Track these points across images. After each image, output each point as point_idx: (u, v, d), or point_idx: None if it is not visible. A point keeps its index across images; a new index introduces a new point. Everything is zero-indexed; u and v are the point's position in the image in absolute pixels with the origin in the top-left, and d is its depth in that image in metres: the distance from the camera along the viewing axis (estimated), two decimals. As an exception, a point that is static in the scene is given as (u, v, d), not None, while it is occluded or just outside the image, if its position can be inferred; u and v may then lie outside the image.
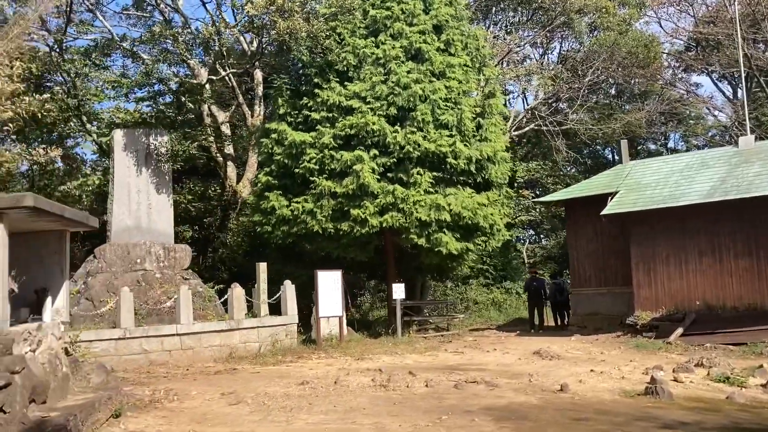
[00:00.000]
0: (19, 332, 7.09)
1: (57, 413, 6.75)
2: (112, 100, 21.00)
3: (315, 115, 16.16)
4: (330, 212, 15.77)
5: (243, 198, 18.39)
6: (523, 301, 23.00)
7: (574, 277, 19.22)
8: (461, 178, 16.77)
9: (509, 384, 10.36)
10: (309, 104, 16.40)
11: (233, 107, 21.53)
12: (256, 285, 15.99)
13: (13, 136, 16.12)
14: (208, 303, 15.44)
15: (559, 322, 20.29)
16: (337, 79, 16.48)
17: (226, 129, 20.75)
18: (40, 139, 20.18)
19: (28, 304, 8.46)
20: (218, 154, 21.20)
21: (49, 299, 8.68)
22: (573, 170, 33.53)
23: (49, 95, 16.08)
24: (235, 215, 21.93)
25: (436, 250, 16.24)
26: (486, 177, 17.13)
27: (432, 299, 22.53)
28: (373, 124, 15.68)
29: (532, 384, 10.37)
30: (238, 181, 21.16)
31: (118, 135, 16.01)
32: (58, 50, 18.96)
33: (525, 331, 19.23)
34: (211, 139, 21.12)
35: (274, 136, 16.32)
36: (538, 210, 30.05)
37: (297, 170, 16.01)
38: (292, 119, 16.48)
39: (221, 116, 21.04)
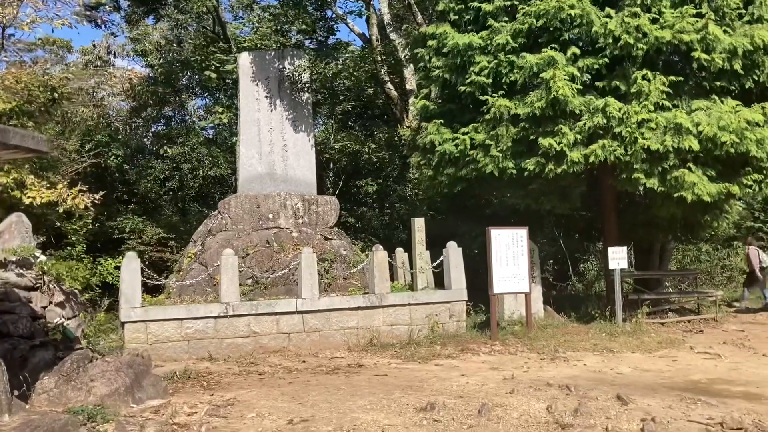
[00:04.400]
0: None
1: None
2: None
3: (487, 6, 11.37)
4: (510, 144, 11.04)
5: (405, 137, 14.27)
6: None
7: None
8: (717, 83, 10.86)
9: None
10: (479, -8, 11.67)
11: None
12: (412, 250, 11.97)
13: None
14: (353, 270, 11.75)
15: None
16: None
17: (400, 49, 16.53)
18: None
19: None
20: (389, 84, 17.20)
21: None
22: None
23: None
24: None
25: (677, 196, 10.67)
26: (760, 80, 10.96)
27: (674, 269, 16.45)
28: (571, 8, 10.50)
29: None
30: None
31: (244, 59, 12.88)
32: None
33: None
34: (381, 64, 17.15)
35: (431, 43, 11.89)
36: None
37: (462, 88, 11.45)
38: (456, 17, 11.85)
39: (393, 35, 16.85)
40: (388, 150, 19.73)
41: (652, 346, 10.21)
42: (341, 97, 20.48)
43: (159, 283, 11.68)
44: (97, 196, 8.72)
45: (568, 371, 8.54)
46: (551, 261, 21.37)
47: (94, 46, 21.91)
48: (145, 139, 22.72)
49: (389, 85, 17.30)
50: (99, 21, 15.68)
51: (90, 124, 20.10)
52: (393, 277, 13.08)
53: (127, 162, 20.49)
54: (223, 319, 9.86)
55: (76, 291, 7.74)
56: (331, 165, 19.87)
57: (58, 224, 15.05)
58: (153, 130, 24.01)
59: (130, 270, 9.55)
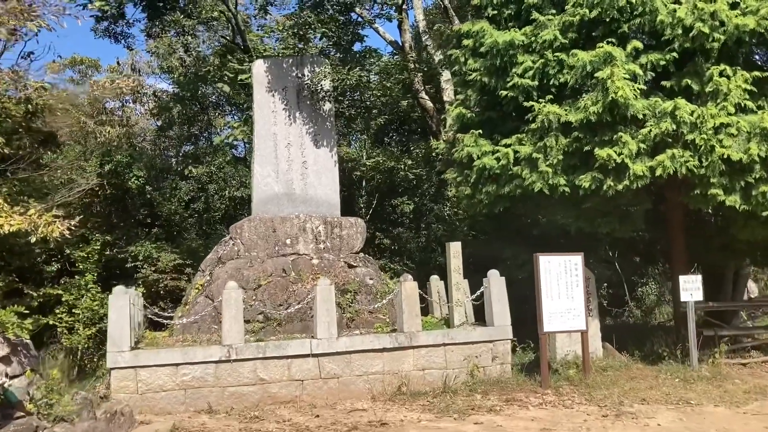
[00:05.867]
0: None
1: None
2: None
3: (530, -1, 9.85)
4: (560, 158, 9.43)
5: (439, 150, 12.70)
6: None
7: None
8: (812, 79, 9.09)
9: None
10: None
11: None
12: (448, 277, 10.42)
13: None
14: (380, 303, 10.25)
15: None
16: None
17: (437, 55, 14.98)
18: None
19: None
20: (423, 94, 15.66)
21: None
22: None
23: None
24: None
25: (765, 215, 8.89)
26: None
27: (752, 299, 14.41)
28: (632, -6, 8.92)
29: None
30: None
31: (259, 67, 11.60)
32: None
33: None
34: (415, 74, 15.68)
35: (467, 42, 10.39)
36: None
37: (503, 92, 9.91)
38: (495, 11, 10.33)
39: (429, 42, 15.32)
40: (426, 166, 18.27)
41: (739, 397, 8.42)
42: (374, 111, 19.14)
43: (171, 317, 10.49)
44: (73, 222, 7.46)
45: (638, 435, 6.86)
46: (605, 284, 19.48)
47: (118, 63, 21.20)
48: (172, 160, 21.76)
49: (424, 95, 15.83)
50: (114, 34, 14.74)
51: (111, 144, 19.23)
52: (427, 310, 11.56)
53: (150, 183, 19.51)
54: (225, 364, 8.48)
55: (27, 342, 6.46)
56: (364, 183, 18.47)
57: (67, 251, 14.05)
58: (181, 150, 23.12)
59: (117, 308, 8.28)
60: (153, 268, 14.37)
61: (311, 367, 8.78)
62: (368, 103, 19.24)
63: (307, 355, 8.77)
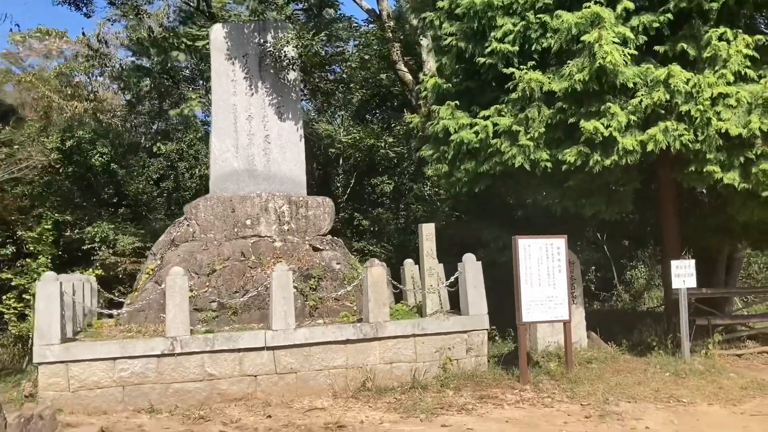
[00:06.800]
0: None
1: None
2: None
3: (510, -48, 8.88)
4: (543, 130, 8.56)
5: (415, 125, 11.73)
6: None
7: None
8: (821, 45, 8.23)
9: None
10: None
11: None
12: (420, 262, 9.59)
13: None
14: (345, 290, 9.38)
15: None
16: None
17: (414, 20, 13.95)
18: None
19: None
20: (402, 65, 14.65)
21: None
22: None
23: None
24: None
25: (766, 195, 8.08)
26: None
27: (748, 285, 13.63)
28: (623, -53, 8.01)
29: None
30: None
31: (218, 32, 10.63)
32: None
33: None
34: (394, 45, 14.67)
35: (442, 4, 9.45)
36: None
37: (481, 59, 8.99)
38: (472, -31, 9.38)
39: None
40: (407, 144, 17.37)
41: (735, 394, 7.68)
42: (352, 85, 18.18)
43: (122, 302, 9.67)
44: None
45: (622, 442, 6.08)
46: (594, 267, 18.72)
47: (83, 34, 20.03)
48: (142, 137, 20.74)
49: (402, 66, 14.84)
50: (71, 1, 13.67)
51: (77, 119, 18.19)
52: (401, 297, 10.75)
53: (117, 161, 18.52)
54: (169, 358, 7.64)
55: None
56: (341, 161, 17.55)
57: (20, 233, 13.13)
58: (155, 127, 22.07)
59: (45, 296, 7.40)
60: (111, 251, 13.46)
61: (266, 362, 7.94)
62: (345, 76, 18.27)
63: (262, 348, 7.93)
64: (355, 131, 17.63)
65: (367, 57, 16.23)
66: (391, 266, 11.48)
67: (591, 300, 17.62)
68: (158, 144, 18.60)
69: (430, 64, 13.26)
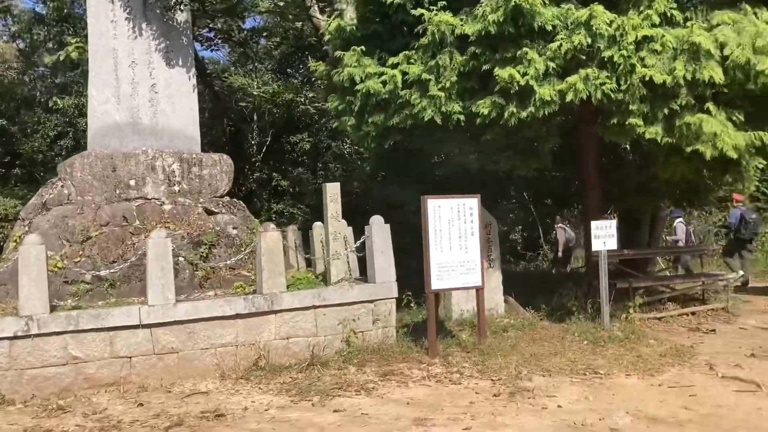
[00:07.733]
0: None
1: None
2: None
3: None
4: (455, 79, 7.73)
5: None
6: None
7: None
8: (750, -13, 7.63)
9: None
10: None
11: None
12: (325, 224, 8.73)
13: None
14: (237, 258, 8.44)
15: None
16: None
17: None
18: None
19: None
20: (316, 10, 13.50)
21: None
22: None
23: None
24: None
25: (690, 150, 7.51)
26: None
27: (670, 244, 13.35)
28: None
29: None
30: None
31: (92, -34, 9.27)
32: None
33: None
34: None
35: (345, -65, 8.43)
36: None
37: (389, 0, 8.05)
38: None
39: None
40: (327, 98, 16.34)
41: (654, 363, 7.20)
42: (267, 35, 16.92)
43: None
44: None
45: (532, 424, 5.45)
46: (520, 227, 18.33)
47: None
48: (37, 92, 18.92)
49: (316, 11, 13.68)
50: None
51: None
52: (308, 264, 9.87)
53: (7, 116, 16.84)
54: (24, 340, 6.56)
55: None
56: (255, 117, 16.38)
57: None
58: (58, 80, 20.17)
59: None
60: (-9, 216, 12.07)
61: (142, 341, 6.96)
62: (263, 24, 16.98)
63: (137, 326, 6.93)
64: (277, 86, 16.48)
65: (282, 3, 14.99)
66: (308, 229, 10.65)
67: (517, 261, 17.25)
68: (54, 99, 16.98)
69: (342, 7, 12.18)
